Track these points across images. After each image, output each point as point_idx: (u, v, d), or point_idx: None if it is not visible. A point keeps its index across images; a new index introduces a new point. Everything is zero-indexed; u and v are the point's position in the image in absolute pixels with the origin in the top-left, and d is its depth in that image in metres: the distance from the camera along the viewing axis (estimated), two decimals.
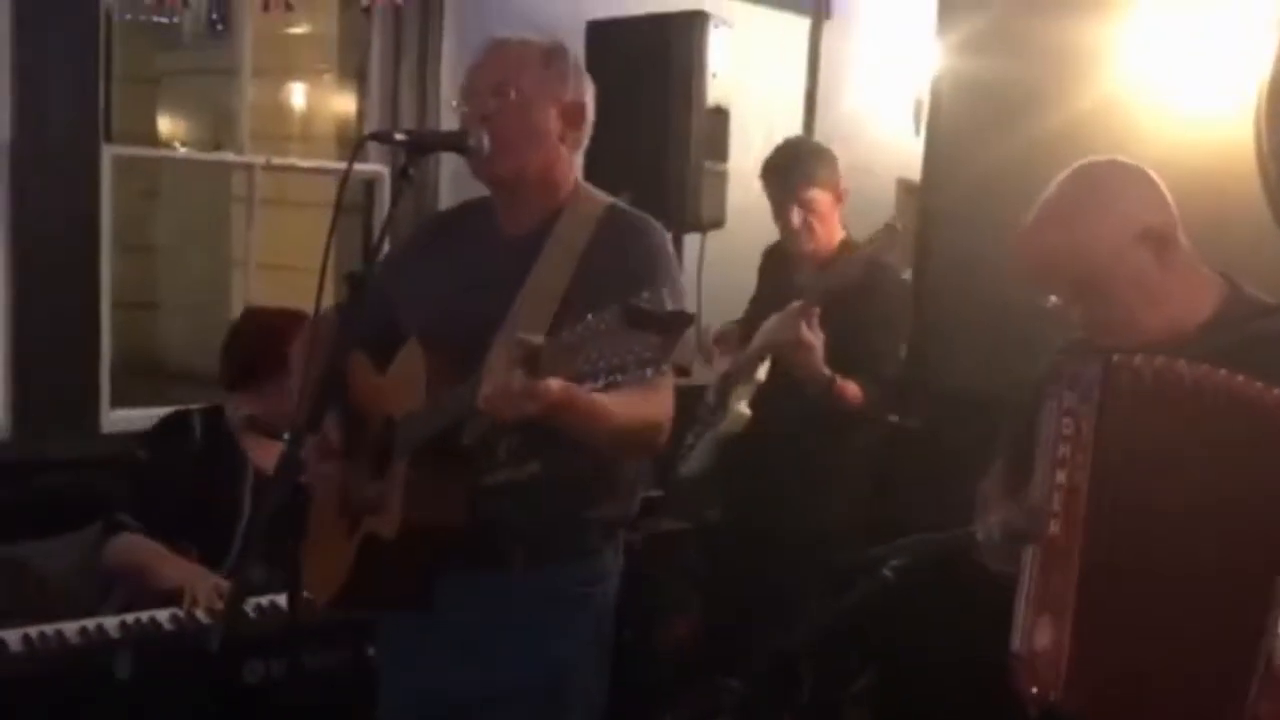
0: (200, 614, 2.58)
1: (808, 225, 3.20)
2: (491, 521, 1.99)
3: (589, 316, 1.54)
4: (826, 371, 2.98)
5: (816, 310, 2.96)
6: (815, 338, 2.95)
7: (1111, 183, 1.79)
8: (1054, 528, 1.65)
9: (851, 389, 3.02)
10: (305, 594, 2.14)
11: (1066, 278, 1.77)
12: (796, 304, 2.97)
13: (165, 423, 3.01)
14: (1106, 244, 1.74)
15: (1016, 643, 1.67)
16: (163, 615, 2.66)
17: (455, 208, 2.28)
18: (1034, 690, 1.65)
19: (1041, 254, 1.80)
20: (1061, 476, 1.65)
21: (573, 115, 2.09)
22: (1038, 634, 1.65)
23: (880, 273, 3.09)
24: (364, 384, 2.15)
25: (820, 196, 3.20)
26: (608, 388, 1.55)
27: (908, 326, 3.30)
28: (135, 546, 2.76)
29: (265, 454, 2.85)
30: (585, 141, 2.16)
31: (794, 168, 3.21)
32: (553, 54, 2.10)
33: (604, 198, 2.14)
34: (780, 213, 3.24)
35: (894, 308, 3.21)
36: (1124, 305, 1.75)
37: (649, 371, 1.53)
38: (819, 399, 3.03)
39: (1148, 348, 1.64)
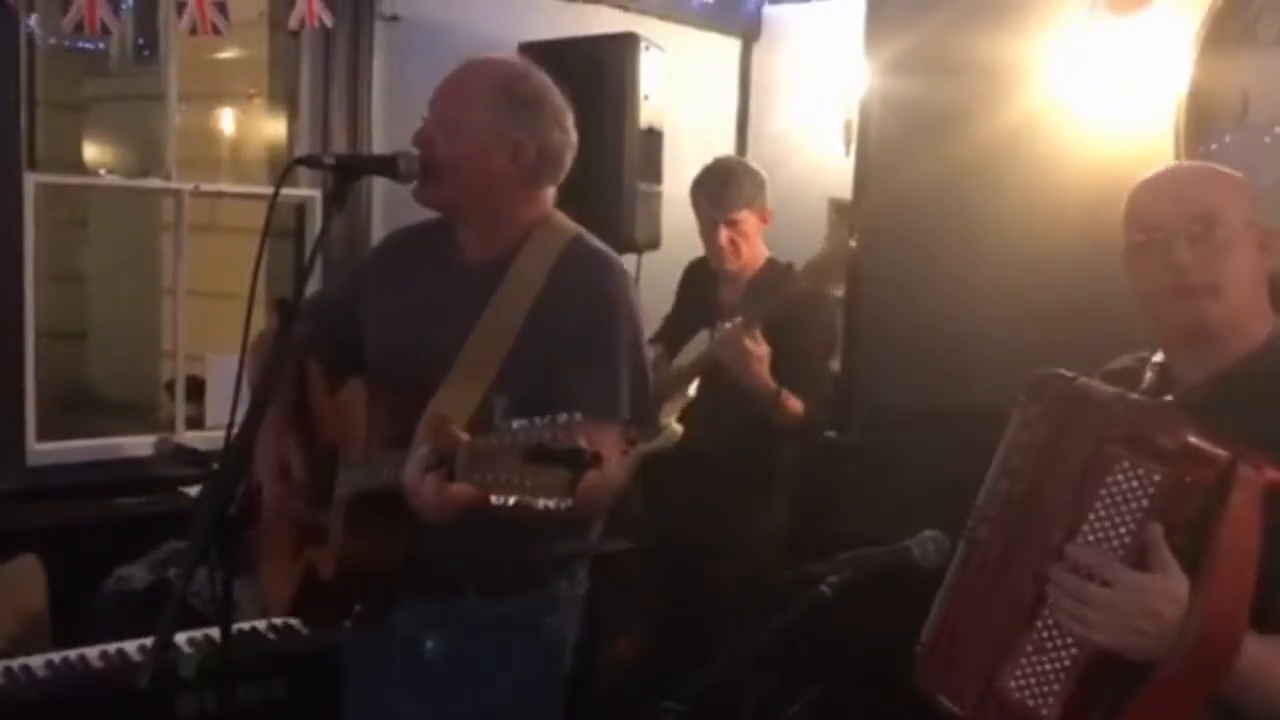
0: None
1: (734, 245, 3.25)
2: (441, 555, 1.97)
3: (507, 425, 1.53)
4: (774, 384, 3.02)
5: (758, 326, 2.99)
6: (761, 350, 2.99)
7: None
8: (983, 531, 1.68)
9: (794, 402, 3.09)
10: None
11: (1202, 205, 1.65)
12: (738, 320, 2.98)
13: None
14: (1242, 205, 1.68)
15: (920, 641, 1.71)
16: (92, 653, 2.62)
17: (422, 224, 2.19)
18: (925, 687, 1.68)
19: (1188, 178, 1.74)
20: (1004, 484, 1.67)
21: (520, 152, 2.02)
22: (938, 633, 1.69)
23: (816, 299, 3.15)
24: (317, 400, 2.13)
25: (748, 218, 3.26)
26: (516, 507, 1.51)
27: (837, 347, 3.36)
28: None
29: None
30: (550, 176, 2.09)
31: (725, 188, 3.25)
32: (513, 86, 2.04)
33: (571, 229, 2.09)
34: (708, 231, 3.28)
35: (828, 335, 3.28)
36: (1226, 261, 1.63)
37: (555, 503, 1.51)
38: (763, 409, 3.06)
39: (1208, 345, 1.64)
